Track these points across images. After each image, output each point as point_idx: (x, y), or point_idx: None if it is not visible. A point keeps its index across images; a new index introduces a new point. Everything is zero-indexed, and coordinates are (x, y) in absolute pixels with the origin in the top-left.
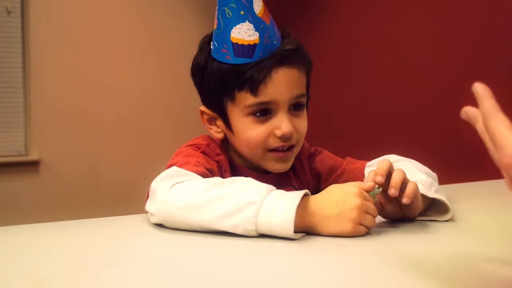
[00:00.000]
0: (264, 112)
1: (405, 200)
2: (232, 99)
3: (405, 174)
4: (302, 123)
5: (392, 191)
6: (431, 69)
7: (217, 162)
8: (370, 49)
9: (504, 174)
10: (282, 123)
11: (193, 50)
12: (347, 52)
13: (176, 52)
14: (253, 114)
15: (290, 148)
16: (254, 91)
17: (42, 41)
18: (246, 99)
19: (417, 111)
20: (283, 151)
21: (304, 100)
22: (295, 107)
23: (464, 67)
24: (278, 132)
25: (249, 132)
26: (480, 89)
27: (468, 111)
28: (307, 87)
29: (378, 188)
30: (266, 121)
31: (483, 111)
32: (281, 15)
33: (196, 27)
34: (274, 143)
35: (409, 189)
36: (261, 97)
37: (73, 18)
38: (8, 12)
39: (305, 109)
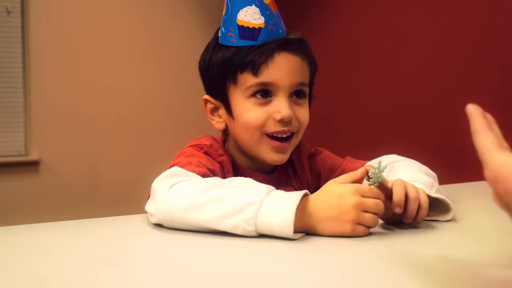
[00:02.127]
0: (264, 94)
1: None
2: (235, 81)
3: (417, 201)
4: (303, 112)
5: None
6: (431, 69)
7: (220, 163)
8: (370, 49)
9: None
10: (281, 107)
11: (193, 50)
12: (347, 52)
13: (176, 52)
14: (253, 95)
15: (289, 138)
16: (255, 71)
17: (42, 41)
18: (248, 80)
19: (417, 111)
20: (281, 140)
21: (306, 89)
22: (296, 95)
23: (464, 67)
24: (277, 116)
25: (249, 114)
26: (472, 109)
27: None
28: (311, 85)
29: (372, 182)
30: (266, 104)
31: (473, 129)
32: (281, 15)
33: (196, 27)
34: (274, 127)
35: (421, 215)
36: (262, 77)
37: (73, 18)
38: (8, 12)
39: (307, 99)
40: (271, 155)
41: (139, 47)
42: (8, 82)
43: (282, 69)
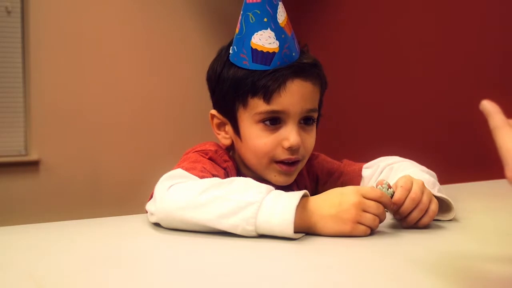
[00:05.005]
0: (273, 122)
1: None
2: (245, 104)
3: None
4: (310, 139)
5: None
6: (431, 69)
7: (225, 168)
8: (370, 49)
9: None
10: (290, 135)
11: (193, 50)
12: (346, 53)
13: (176, 52)
14: (263, 121)
15: (295, 163)
16: (268, 99)
17: (42, 41)
18: (259, 105)
19: (417, 111)
20: (288, 164)
21: (315, 115)
22: (305, 121)
23: (464, 67)
24: (286, 144)
25: (257, 140)
26: (488, 106)
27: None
28: (320, 104)
29: (389, 189)
30: (275, 131)
31: (492, 126)
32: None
33: (196, 27)
34: (282, 155)
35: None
36: (273, 105)
37: (73, 18)
38: (8, 12)
39: (314, 125)
40: (278, 177)
41: (140, 47)
42: (8, 82)
43: (294, 97)
